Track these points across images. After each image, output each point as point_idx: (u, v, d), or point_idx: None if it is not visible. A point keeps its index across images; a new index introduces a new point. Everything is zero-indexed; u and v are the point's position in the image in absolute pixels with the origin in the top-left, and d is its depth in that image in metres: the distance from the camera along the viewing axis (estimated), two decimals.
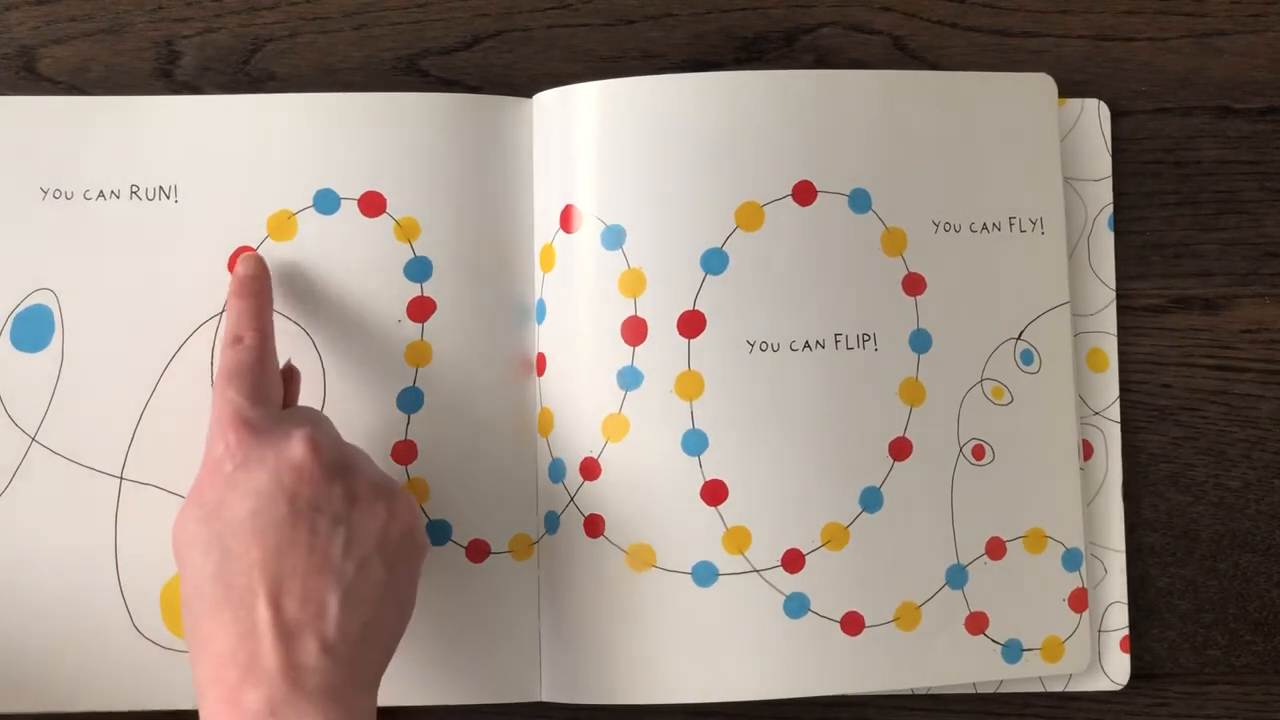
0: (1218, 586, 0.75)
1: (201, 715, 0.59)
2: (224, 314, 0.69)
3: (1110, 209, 0.74)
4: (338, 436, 0.65)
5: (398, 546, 0.63)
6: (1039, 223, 0.73)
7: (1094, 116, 0.75)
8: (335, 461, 0.62)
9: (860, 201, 0.72)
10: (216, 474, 0.61)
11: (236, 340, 0.66)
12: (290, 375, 0.70)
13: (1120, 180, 0.75)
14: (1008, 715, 0.74)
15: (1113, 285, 0.74)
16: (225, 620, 0.59)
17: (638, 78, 0.72)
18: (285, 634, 0.58)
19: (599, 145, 0.71)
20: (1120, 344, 0.75)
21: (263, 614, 0.58)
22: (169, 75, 0.75)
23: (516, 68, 0.75)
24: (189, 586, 0.60)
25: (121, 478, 0.71)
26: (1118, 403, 0.75)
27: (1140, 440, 0.75)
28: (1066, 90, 0.75)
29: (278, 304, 0.71)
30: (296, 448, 0.61)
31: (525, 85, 0.75)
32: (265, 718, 0.57)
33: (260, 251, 0.71)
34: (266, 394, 0.65)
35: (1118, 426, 0.75)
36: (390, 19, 0.75)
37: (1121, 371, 0.75)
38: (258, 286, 0.69)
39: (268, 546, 0.59)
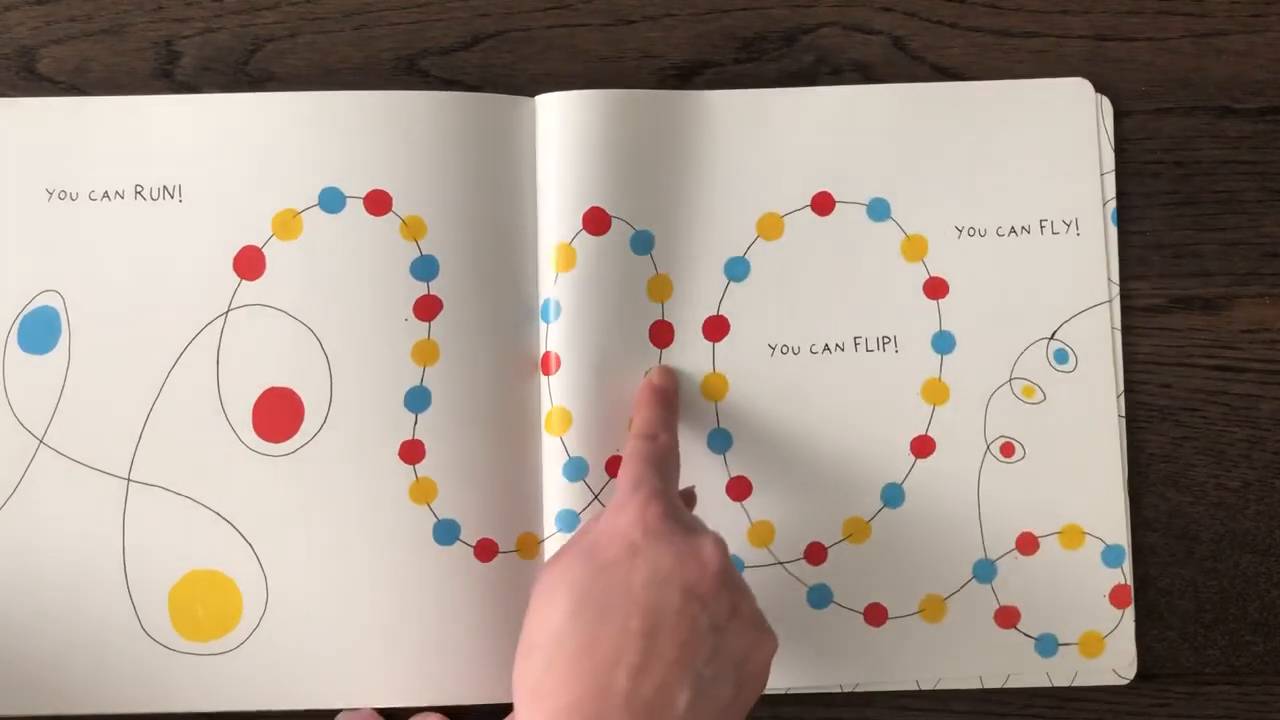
0: (1218, 586, 0.75)
1: None
2: (634, 415, 0.70)
3: (1114, 204, 0.74)
4: None
5: (751, 677, 0.62)
6: (1073, 224, 0.74)
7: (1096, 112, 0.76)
8: (734, 575, 0.62)
9: (879, 210, 0.74)
10: (619, 537, 0.61)
11: (652, 437, 0.67)
12: (690, 495, 0.71)
13: (1120, 180, 0.75)
14: (1008, 715, 0.74)
15: (1116, 280, 0.74)
16: (583, 671, 0.58)
17: (669, 91, 0.74)
18: (634, 711, 0.58)
19: (631, 152, 0.72)
20: (1120, 344, 0.75)
21: (621, 683, 0.58)
22: (169, 75, 0.74)
23: (516, 68, 0.75)
24: (551, 626, 0.60)
25: (129, 479, 0.71)
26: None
27: (1140, 440, 0.75)
28: None
29: (285, 304, 0.71)
30: (709, 546, 0.61)
31: (525, 85, 0.74)
32: None
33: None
34: (675, 490, 0.66)
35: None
36: (390, 19, 0.75)
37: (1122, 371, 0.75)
38: (669, 399, 0.71)
39: (647, 622, 0.59)
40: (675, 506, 0.63)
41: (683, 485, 0.70)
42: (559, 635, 0.59)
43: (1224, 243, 0.75)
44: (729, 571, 0.62)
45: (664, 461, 0.66)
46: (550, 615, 0.60)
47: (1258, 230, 0.75)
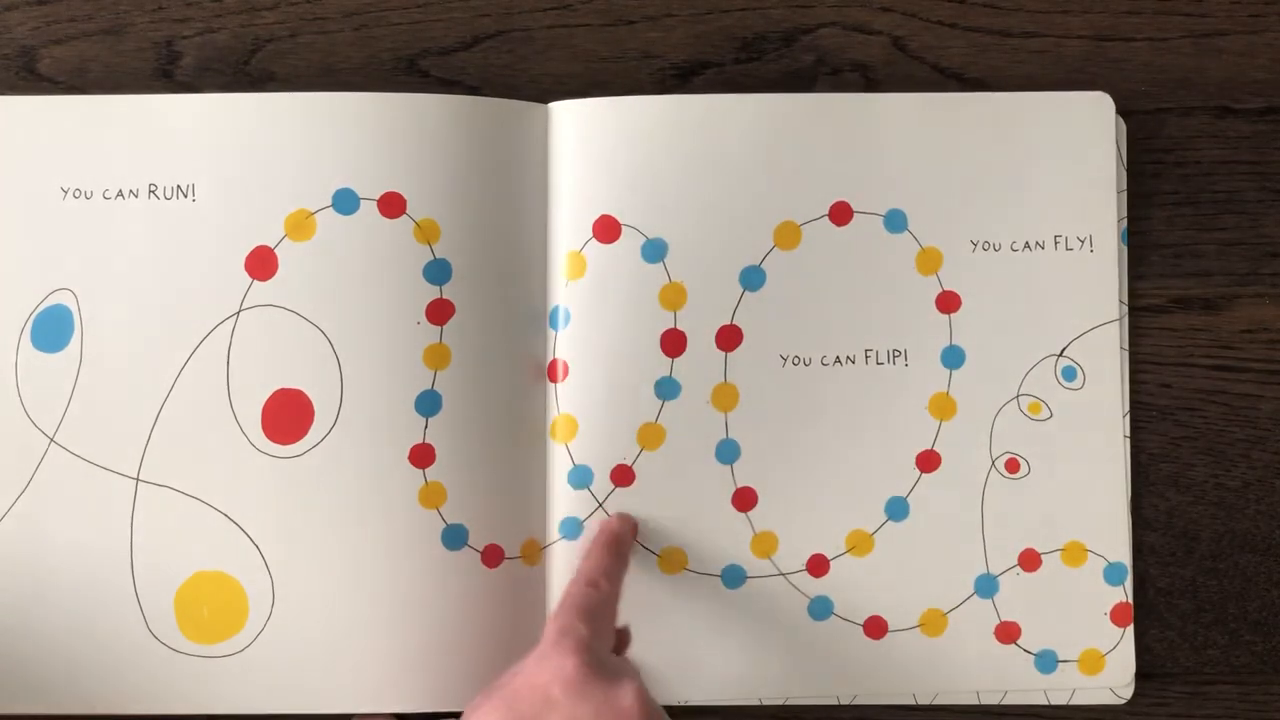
0: (1218, 586, 0.75)
1: None
2: (584, 557, 0.69)
3: (1125, 223, 0.74)
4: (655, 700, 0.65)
5: None
6: (1087, 240, 0.74)
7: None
8: (654, 718, 0.62)
9: (896, 222, 0.73)
10: (539, 690, 0.61)
11: (593, 584, 0.66)
12: (624, 635, 0.71)
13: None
14: (1007, 715, 0.74)
15: (1127, 299, 0.74)
16: None
17: (681, 95, 0.73)
18: None
19: (643, 159, 0.72)
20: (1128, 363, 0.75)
21: None
22: (169, 75, 0.74)
23: (516, 68, 0.75)
24: None
25: (138, 479, 0.71)
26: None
27: (1140, 440, 0.75)
28: (1066, 90, 0.75)
29: (297, 305, 0.71)
30: (627, 696, 0.60)
31: (525, 85, 0.75)
32: None
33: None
34: (605, 638, 0.65)
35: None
36: (390, 19, 0.75)
37: None
38: (622, 549, 0.70)
39: None
40: (597, 658, 0.63)
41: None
42: None
43: (1224, 243, 0.75)
44: (650, 716, 0.61)
45: (597, 611, 0.65)
46: None
47: (1258, 230, 0.75)
